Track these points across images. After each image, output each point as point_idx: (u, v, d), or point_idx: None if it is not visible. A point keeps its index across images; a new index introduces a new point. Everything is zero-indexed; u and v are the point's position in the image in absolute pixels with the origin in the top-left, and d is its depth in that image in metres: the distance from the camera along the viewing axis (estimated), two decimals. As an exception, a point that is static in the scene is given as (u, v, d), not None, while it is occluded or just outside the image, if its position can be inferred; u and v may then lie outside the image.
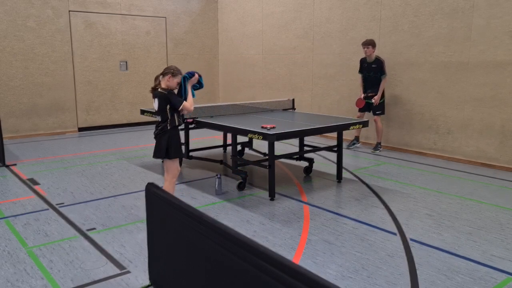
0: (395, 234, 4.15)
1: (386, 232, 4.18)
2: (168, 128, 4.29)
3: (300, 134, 5.67)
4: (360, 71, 7.71)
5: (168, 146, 4.29)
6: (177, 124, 4.34)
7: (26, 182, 5.79)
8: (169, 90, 4.30)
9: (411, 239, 4.02)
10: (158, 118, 4.38)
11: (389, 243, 3.94)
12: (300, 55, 9.50)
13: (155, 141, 4.38)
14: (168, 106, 4.26)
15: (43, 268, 3.45)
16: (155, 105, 4.34)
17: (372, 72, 7.46)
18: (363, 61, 7.62)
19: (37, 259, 3.60)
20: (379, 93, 7.43)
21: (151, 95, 4.41)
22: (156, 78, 4.40)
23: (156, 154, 4.39)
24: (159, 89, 4.30)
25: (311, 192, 5.43)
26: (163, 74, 4.31)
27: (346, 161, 6.87)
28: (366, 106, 7.62)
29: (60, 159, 7.12)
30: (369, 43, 7.31)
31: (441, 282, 3.26)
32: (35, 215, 4.60)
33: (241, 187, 5.47)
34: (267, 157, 5.48)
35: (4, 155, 6.70)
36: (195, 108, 6.31)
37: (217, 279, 2.29)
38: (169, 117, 4.29)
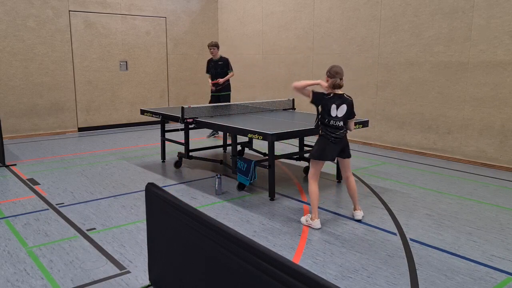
0: (395, 234, 4.15)
1: (386, 232, 4.18)
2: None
3: (300, 134, 5.67)
4: (208, 71, 8.58)
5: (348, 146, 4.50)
6: None
7: (26, 182, 5.79)
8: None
9: (411, 239, 4.02)
10: (338, 123, 4.38)
11: (389, 243, 3.94)
12: (300, 55, 9.49)
13: (337, 145, 4.37)
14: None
15: (43, 268, 3.45)
16: (337, 111, 4.44)
17: (219, 68, 8.45)
18: (210, 61, 8.55)
19: (37, 259, 3.60)
20: (225, 79, 8.39)
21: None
22: (335, 79, 4.47)
23: (349, 154, 4.49)
24: (345, 95, 4.49)
25: (311, 192, 5.42)
26: (341, 78, 4.41)
27: (346, 161, 6.87)
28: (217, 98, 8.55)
29: (60, 159, 7.12)
30: (215, 45, 8.37)
31: (441, 282, 3.26)
32: (35, 215, 4.60)
33: (241, 187, 5.47)
34: (267, 157, 5.48)
35: (4, 155, 6.70)
36: (195, 108, 6.36)
37: (217, 279, 2.29)
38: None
